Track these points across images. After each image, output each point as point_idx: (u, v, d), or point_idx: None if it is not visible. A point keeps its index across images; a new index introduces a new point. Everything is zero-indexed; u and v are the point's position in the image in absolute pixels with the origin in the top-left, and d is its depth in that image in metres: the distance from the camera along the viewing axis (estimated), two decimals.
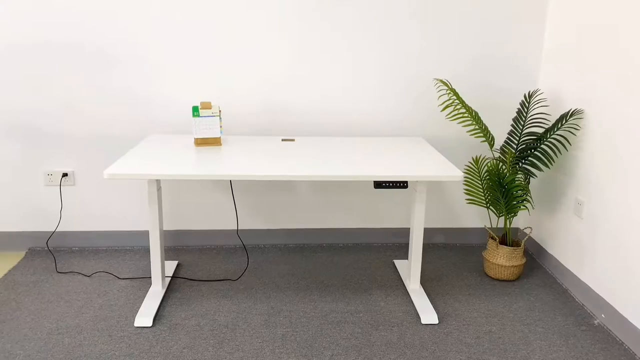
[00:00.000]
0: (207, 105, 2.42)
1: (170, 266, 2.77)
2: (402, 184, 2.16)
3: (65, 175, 2.87)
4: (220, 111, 2.45)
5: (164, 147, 2.42)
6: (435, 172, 2.13)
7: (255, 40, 2.75)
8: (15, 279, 2.62)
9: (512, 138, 2.73)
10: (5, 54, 2.67)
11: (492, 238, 2.74)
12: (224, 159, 2.24)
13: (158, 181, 2.37)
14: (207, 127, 2.44)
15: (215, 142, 2.48)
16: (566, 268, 2.66)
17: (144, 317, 2.27)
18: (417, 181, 2.42)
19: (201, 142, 2.46)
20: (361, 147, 2.52)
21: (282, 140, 2.63)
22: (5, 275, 2.66)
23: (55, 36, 2.66)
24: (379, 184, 2.13)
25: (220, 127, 2.47)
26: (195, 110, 2.40)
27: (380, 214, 3.11)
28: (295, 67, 2.81)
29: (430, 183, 3.06)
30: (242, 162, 2.21)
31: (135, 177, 2.04)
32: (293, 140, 2.64)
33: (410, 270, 2.57)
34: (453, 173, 2.14)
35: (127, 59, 2.72)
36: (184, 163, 2.17)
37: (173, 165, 2.13)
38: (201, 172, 2.05)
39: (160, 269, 2.47)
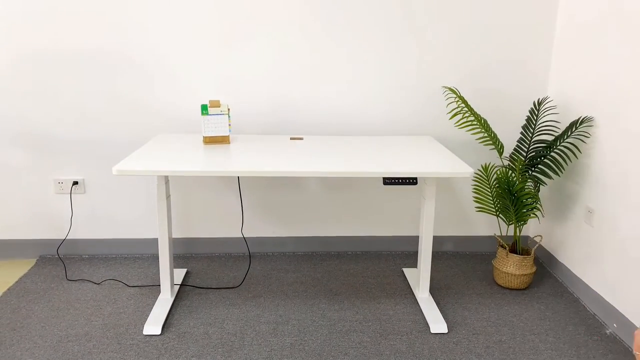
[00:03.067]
0: (216, 104, 2.42)
1: (179, 274, 2.77)
2: (411, 180, 2.13)
3: (75, 183, 2.89)
4: (229, 109, 2.45)
5: (173, 145, 2.41)
6: (445, 169, 2.09)
7: (264, 39, 2.76)
8: (26, 287, 2.64)
9: (521, 145, 2.71)
10: (16, 64, 2.70)
11: (502, 246, 2.72)
12: (233, 157, 2.24)
13: (167, 184, 2.37)
14: (215, 126, 2.44)
15: (223, 140, 2.48)
16: (577, 277, 2.64)
17: (153, 325, 2.27)
18: (426, 178, 2.40)
19: (210, 140, 2.46)
20: (370, 146, 2.50)
21: (291, 139, 2.63)
22: (16, 282, 2.68)
23: (64, 45, 2.69)
24: (388, 180, 2.11)
25: (229, 125, 2.46)
26: (204, 108, 2.41)
27: (390, 221, 3.10)
28: (304, 66, 2.81)
29: (440, 185, 3.05)
30: (250, 159, 2.20)
31: (143, 174, 2.03)
32: (301, 139, 2.64)
33: (420, 278, 2.55)
34: (463, 170, 2.09)
35: (136, 66, 2.75)
36: (193, 160, 2.16)
37: (182, 163, 2.12)
38: (209, 169, 2.04)
39: (169, 277, 2.48)
